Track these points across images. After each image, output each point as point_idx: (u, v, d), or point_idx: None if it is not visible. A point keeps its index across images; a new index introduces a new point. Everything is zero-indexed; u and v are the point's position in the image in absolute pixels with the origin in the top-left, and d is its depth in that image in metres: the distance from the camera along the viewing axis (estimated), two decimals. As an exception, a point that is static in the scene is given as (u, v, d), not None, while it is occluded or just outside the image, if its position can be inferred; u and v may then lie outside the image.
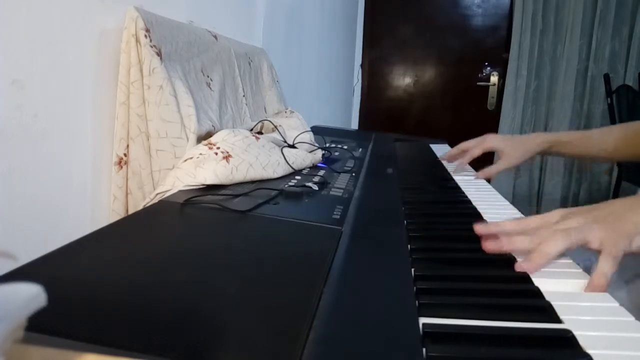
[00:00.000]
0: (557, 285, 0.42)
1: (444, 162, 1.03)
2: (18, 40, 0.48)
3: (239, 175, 0.64)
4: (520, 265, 0.44)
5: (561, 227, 0.47)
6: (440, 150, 1.27)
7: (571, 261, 0.47)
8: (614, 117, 2.20)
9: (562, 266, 0.46)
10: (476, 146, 0.92)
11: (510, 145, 0.90)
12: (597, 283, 0.42)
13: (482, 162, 0.94)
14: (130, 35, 0.60)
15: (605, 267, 0.42)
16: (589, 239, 0.45)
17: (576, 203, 2.75)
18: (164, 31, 0.67)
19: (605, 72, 2.43)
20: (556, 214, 0.50)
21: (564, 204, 2.74)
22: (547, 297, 0.38)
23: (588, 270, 0.44)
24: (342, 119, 2.59)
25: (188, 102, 0.67)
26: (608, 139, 0.84)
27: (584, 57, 2.62)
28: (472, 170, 0.96)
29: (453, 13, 2.76)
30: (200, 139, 0.68)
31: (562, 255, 0.46)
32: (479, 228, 0.51)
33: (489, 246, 0.48)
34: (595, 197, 2.62)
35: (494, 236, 0.49)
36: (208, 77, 0.82)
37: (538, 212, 2.80)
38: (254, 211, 0.52)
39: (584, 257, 0.52)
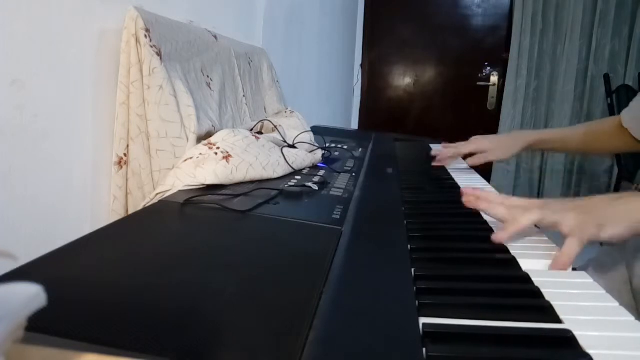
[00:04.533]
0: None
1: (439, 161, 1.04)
2: (18, 40, 0.48)
3: (239, 175, 0.64)
4: (496, 236, 0.50)
5: (562, 220, 0.50)
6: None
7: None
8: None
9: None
10: (463, 146, 0.99)
11: (495, 143, 0.97)
12: (560, 261, 0.47)
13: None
14: (130, 35, 0.60)
15: (571, 248, 0.47)
16: (561, 222, 0.49)
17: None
18: (164, 31, 0.67)
19: (605, 72, 2.42)
20: (538, 201, 0.53)
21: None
22: (547, 297, 0.38)
23: (585, 269, 0.45)
24: (342, 119, 2.59)
25: (188, 102, 0.67)
26: (574, 138, 0.97)
27: (584, 57, 2.62)
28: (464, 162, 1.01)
29: (453, 13, 2.75)
30: (200, 139, 0.68)
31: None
32: (466, 196, 0.57)
33: (467, 200, 0.55)
34: (595, 197, 2.61)
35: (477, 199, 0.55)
36: (208, 77, 0.82)
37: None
38: (254, 211, 0.52)
39: (583, 258, 0.53)
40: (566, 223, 0.48)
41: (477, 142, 0.97)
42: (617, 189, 2.32)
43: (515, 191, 2.76)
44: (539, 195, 2.75)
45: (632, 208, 0.49)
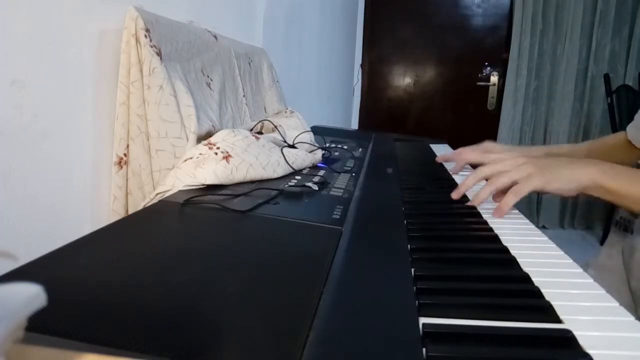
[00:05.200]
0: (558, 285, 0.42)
1: (442, 162, 1.04)
2: (18, 40, 0.48)
3: (239, 175, 0.64)
4: (493, 214, 0.62)
5: (515, 175, 0.61)
6: (440, 150, 1.26)
7: (571, 261, 0.47)
8: (614, 117, 2.20)
9: (562, 266, 0.46)
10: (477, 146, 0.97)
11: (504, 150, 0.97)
12: (500, 211, 0.61)
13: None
14: (130, 35, 0.60)
15: (509, 199, 0.60)
16: (531, 189, 0.60)
17: (575, 203, 2.75)
18: (164, 31, 0.67)
19: (605, 72, 2.43)
20: (515, 159, 0.65)
21: (563, 203, 2.74)
22: (547, 297, 0.38)
23: (585, 269, 0.45)
24: (342, 119, 2.59)
25: (188, 102, 0.67)
26: (579, 152, 1.00)
27: (584, 57, 2.62)
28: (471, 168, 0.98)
29: (453, 13, 2.76)
30: (200, 139, 0.68)
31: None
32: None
33: (455, 196, 0.68)
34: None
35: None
36: (208, 77, 0.82)
37: (538, 210, 2.80)
38: (254, 211, 0.52)
39: (583, 258, 0.54)
40: (534, 188, 0.60)
41: (488, 146, 0.97)
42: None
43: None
44: (539, 197, 2.74)
45: (585, 171, 0.59)
